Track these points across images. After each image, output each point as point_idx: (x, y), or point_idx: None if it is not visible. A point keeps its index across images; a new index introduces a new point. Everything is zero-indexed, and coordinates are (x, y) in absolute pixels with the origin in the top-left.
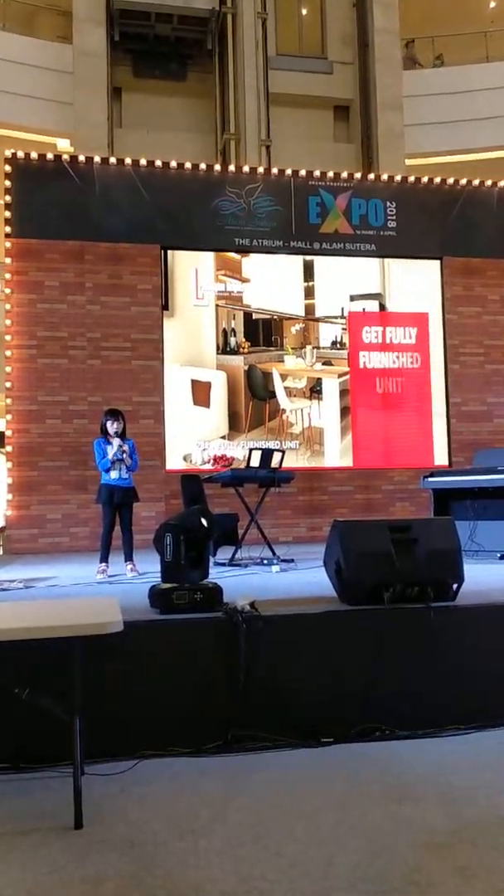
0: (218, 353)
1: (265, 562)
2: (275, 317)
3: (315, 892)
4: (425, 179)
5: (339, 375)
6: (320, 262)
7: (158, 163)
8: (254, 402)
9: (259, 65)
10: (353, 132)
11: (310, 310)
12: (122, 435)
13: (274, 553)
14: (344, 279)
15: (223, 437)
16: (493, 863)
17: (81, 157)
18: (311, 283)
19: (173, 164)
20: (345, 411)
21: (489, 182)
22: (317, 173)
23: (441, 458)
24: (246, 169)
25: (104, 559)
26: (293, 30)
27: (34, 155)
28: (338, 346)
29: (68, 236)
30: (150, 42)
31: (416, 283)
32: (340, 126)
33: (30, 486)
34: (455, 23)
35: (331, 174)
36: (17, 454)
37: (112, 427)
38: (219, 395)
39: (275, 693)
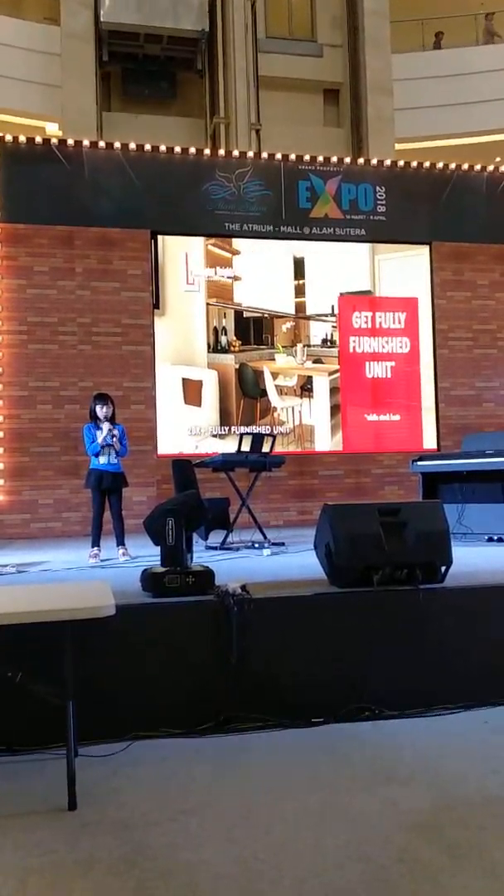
0: (209, 352)
1: (256, 545)
2: (265, 315)
3: (305, 872)
4: (415, 164)
5: (330, 373)
6: (311, 259)
7: (148, 147)
8: (245, 401)
9: (249, 48)
10: (342, 116)
11: (300, 308)
12: (111, 419)
13: (265, 537)
14: (334, 276)
15: (214, 436)
16: (481, 842)
17: (70, 141)
18: (301, 281)
19: (163, 148)
20: (335, 409)
21: (479, 166)
22: (307, 158)
23: (430, 442)
24: (236, 153)
25: (96, 543)
26: (283, 12)
27: (22, 138)
28: (328, 343)
29: (57, 221)
30: (139, 61)
31: (406, 269)
32: (330, 110)
33: (21, 471)
34: (445, 5)
35: (321, 158)
36: (9, 440)
37: (101, 411)
38: (210, 394)
39: (266, 675)
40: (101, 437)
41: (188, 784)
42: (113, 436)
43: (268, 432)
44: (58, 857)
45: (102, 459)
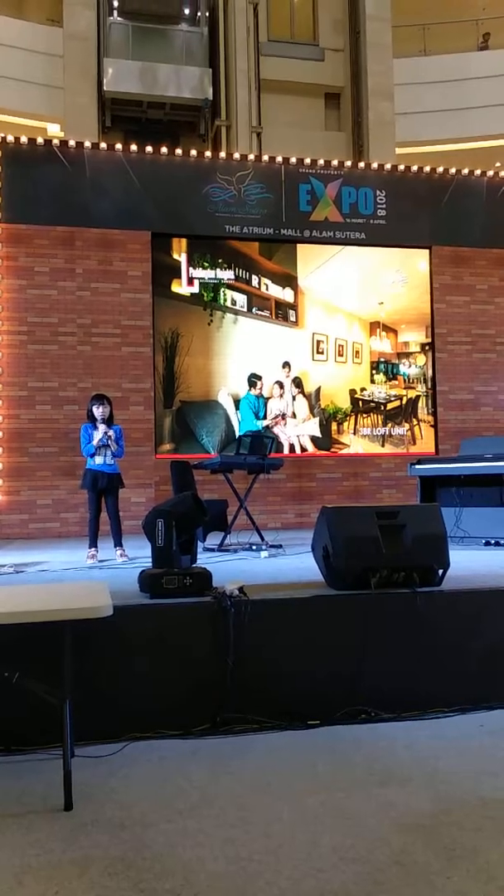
0: None
1: (254, 547)
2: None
3: (301, 873)
4: (415, 168)
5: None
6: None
7: (149, 148)
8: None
9: (251, 51)
10: (343, 120)
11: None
12: (109, 420)
13: (262, 539)
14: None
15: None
16: (477, 844)
17: (72, 142)
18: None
19: (164, 150)
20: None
21: (478, 171)
22: (307, 161)
23: (428, 445)
24: (237, 156)
25: (93, 544)
26: (285, 16)
27: (24, 139)
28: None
29: (58, 222)
30: (142, 124)
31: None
32: (331, 114)
33: (20, 471)
34: (447, 11)
35: (321, 162)
36: (7, 440)
37: (98, 412)
38: None
39: (262, 676)
40: (96, 437)
41: (185, 785)
42: (108, 437)
43: (267, 434)
44: (54, 856)
45: (98, 460)
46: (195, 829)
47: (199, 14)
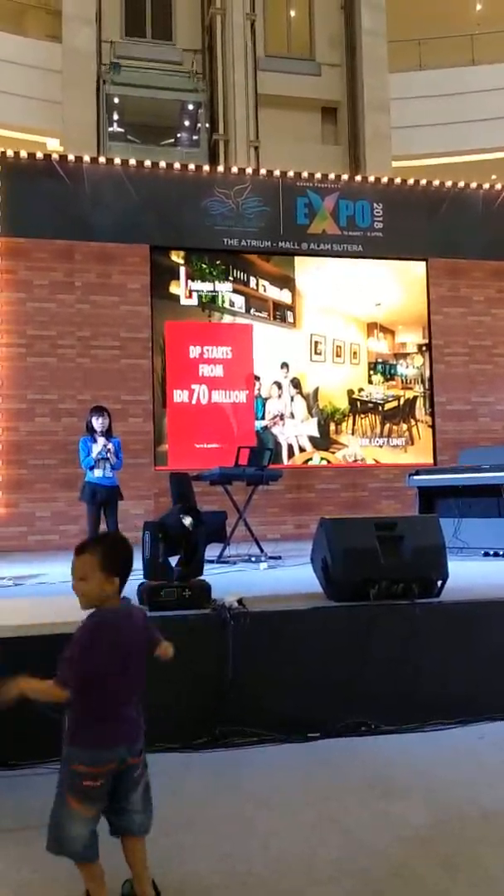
0: None
1: (253, 559)
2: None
3: (299, 887)
4: (412, 181)
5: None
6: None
7: (147, 163)
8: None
9: (248, 66)
10: (340, 134)
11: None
12: (108, 432)
13: (262, 550)
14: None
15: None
16: (477, 856)
17: (71, 157)
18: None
19: (162, 164)
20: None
21: (475, 184)
22: (305, 174)
23: (426, 448)
24: (234, 170)
25: None
26: (281, 31)
27: (23, 153)
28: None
29: (57, 235)
30: None
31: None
32: (328, 127)
33: (19, 483)
34: (442, 25)
35: (318, 175)
36: (7, 452)
37: (97, 423)
38: None
39: (262, 689)
40: (95, 450)
41: (182, 799)
42: (108, 450)
43: (266, 446)
44: (53, 871)
45: (97, 473)
46: (192, 843)
47: (198, 125)
